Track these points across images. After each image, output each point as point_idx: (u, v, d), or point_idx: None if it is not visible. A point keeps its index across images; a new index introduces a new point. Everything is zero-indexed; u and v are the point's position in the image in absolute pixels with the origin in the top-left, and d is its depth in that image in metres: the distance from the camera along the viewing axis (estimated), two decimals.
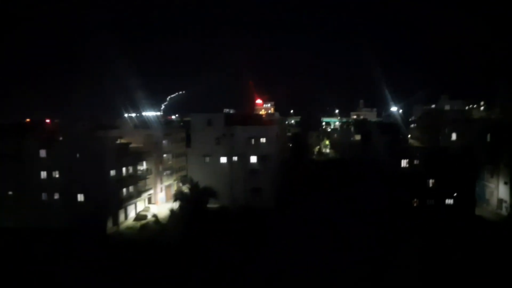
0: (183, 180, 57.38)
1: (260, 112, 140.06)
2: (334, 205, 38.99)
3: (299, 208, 40.93)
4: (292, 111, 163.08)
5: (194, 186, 35.49)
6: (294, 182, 48.55)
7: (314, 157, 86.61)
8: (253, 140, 51.39)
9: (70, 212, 42.33)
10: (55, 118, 69.55)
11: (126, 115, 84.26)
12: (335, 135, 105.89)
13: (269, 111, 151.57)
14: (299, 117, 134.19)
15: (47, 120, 65.38)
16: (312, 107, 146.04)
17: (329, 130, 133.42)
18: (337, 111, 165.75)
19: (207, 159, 52.07)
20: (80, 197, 43.35)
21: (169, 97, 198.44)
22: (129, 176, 48.69)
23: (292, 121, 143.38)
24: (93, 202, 42.74)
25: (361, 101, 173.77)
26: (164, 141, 57.15)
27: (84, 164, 42.96)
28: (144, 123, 59.64)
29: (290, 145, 78.11)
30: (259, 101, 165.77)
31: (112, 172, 45.26)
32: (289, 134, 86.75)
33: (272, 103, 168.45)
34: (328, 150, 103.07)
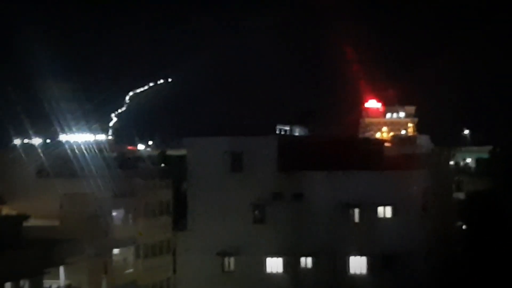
0: None
1: (378, 134, 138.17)
2: None
3: None
4: (467, 131, 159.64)
5: None
6: None
7: None
8: (356, 212, 52.92)
9: None
10: None
11: (17, 141, 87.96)
12: None
13: (404, 131, 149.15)
14: (489, 148, 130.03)
15: None
16: None
17: None
18: None
19: (230, 263, 53.71)
20: None
21: (129, 94, 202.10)
22: None
23: (468, 160, 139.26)
24: None
25: None
26: (114, 213, 58.96)
27: None
28: (64, 163, 61.72)
29: (464, 226, 78.56)
30: (373, 103, 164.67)
31: None
32: (461, 194, 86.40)
33: (412, 108, 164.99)
34: None
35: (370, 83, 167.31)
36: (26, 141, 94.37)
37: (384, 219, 52.08)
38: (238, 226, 52.85)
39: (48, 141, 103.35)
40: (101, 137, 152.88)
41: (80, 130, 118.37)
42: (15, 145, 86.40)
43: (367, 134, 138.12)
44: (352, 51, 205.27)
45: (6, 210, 52.78)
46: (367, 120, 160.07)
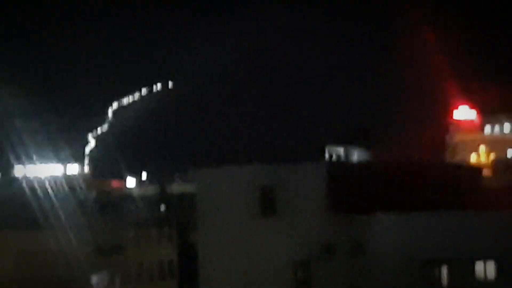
0: None
1: (473, 157, 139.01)
2: None
3: None
4: None
5: None
6: None
7: None
8: (444, 271, 53.87)
9: None
10: None
11: None
12: None
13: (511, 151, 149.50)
14: None
15: None
16: None
17: None
18: None
19: None
20: None
21: (113, 107, 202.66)
22: None
23: None
24: None
25: None
26: (94, 277, 59.09)
27: None
28: (20, 208, 61.27)
29: None
30: (465, 112, 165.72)
31: None
32: None
33: None
34: None
35: (460, 81, 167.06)
36: None
37: (485, 281, 51.75)
38: None
39: None
40: (74, 168, 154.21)
41: (44, 159, 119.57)
42: None
43: (458, 158, 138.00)
44: (431, 35, 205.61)
45: None
46: (457, 136, 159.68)
